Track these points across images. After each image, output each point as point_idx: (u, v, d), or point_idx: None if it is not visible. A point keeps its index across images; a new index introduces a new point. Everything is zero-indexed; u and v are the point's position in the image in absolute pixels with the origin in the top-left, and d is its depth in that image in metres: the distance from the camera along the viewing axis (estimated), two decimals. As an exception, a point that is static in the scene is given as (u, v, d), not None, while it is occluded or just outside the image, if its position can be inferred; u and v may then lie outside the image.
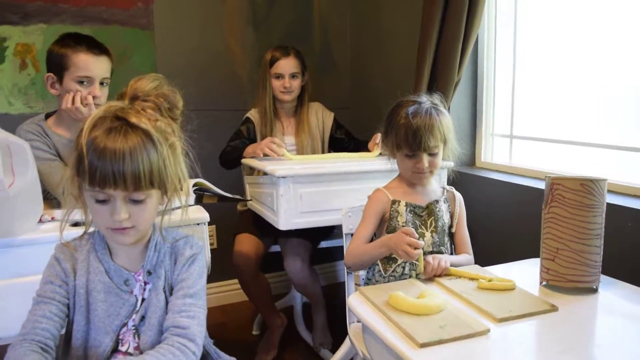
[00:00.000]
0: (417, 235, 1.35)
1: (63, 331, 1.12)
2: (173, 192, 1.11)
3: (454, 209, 1.61)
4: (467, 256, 1.55)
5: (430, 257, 1.37)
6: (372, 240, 1.56)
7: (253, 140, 2.36)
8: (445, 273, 1.35)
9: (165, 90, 1.12)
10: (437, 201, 1.57)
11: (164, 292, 1.14)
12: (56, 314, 1.07)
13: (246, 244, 2.21)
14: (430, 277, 1.35)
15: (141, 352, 1.10)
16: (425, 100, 1.54)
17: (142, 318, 1.12)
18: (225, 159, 2.33)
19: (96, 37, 1.83)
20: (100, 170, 0.98)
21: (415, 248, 1.32)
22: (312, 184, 1.87)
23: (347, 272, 1.69)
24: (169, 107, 1.11)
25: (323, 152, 2.47)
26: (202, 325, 1.12)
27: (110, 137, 1.00)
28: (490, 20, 2.22)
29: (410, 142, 1.47)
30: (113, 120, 1.02)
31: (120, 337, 1.11)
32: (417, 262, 1.36)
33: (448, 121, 1.53)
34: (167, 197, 1.11)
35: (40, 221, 1.50)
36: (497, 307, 1.14)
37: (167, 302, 1.14)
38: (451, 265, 1.37)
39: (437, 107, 1.53)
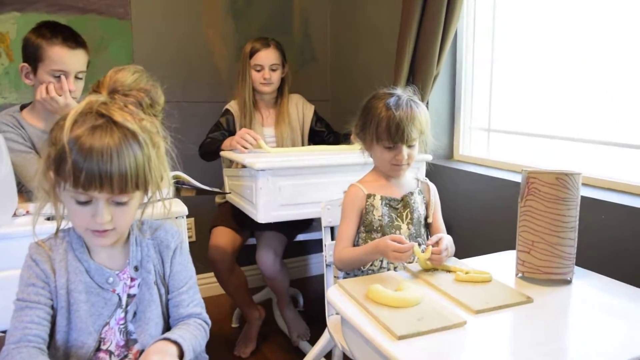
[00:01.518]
0: (404, 242, 1.35)
1: None
2: (155, 191, 1.07)
3: (429, 200, 1.62)
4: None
5: (436, 238, 1.38)
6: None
7: (232, 132, 2.35)
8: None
9: (146, 84, 1.09)
10: (411, 193, 1.58)
11: (156, 285, 1.13)
12: (44, 317, 1.03)
13: (222, 237, 2.20)
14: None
15: (128, 350, 1.11)
16: (401, 92, 1.54)
17: (134, 314, 1.11)
18: (205, 150, 2.32)
19: (71, 26, 1.79)
20: (87, 171, 0.93)
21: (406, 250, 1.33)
22: (291, 177, 1.87)
23: (327, 265, 1.69)
24: (150, 103, 1.07)
25: (302, 145, 2.47)
26: (204, 307, 1.21)
27: (95, 136, 0.94)
28: (469, 15, 2.24)
29: (393, 134, 1.47)
30: (96, 117, 0.97)
31: (102, 335, 1.09)
32: (415, 257, 1.35)
33: (426, 113, 1.54)
34: (147, 196, 1.08)
35: (15, 215, 1.47)
36: (473, 299, 1.16)
37: (160, 295, 1.14)
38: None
39: (414, 99, 1.54)
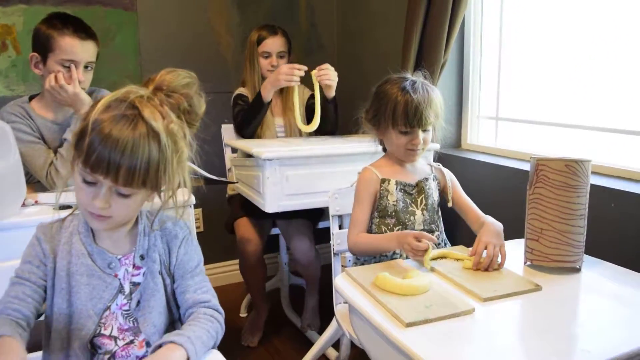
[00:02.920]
0: (427, 241, 1.30)
1: (42, 317, 1.10)
2: (170, 194, 1.07)
3: (444, 185, 1.61)
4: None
5: (485, 244, 1.32)
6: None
7: None
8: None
9: (193, 92, 1.09)
10: (426, 179, 1.57)
11: (161, 275, 1.14)
12: (30, 295, 1.05)
13: (250, 229, 2.19)
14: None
15: (134, 335, 1.11)
16: (412, 77, 1.53)
17: (138, 302, 1.11)
18: (249, 122, 2.24)
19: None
20: (98, 154, 0.95)
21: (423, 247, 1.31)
22: (298, 167, 1.87)
23: (334, 253, 1.69)
24: (188, 110, 1.08)
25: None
26: (215, 296, 1.17)
27: (118, 125, 0.96)
28: (476, 1, 2.21)
29: (411, 117, 1.46)
30: (128, 107, 0.98)
31: (102, 320, 1.10)
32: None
33: (440, 97, 1.53)
34: (159, 197, 1.09)
35: (24, 205, 1.48)
36: (482, 286, 1.16)
37: (164, 285, 1.14)
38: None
39: (427, 83, 1.53)
